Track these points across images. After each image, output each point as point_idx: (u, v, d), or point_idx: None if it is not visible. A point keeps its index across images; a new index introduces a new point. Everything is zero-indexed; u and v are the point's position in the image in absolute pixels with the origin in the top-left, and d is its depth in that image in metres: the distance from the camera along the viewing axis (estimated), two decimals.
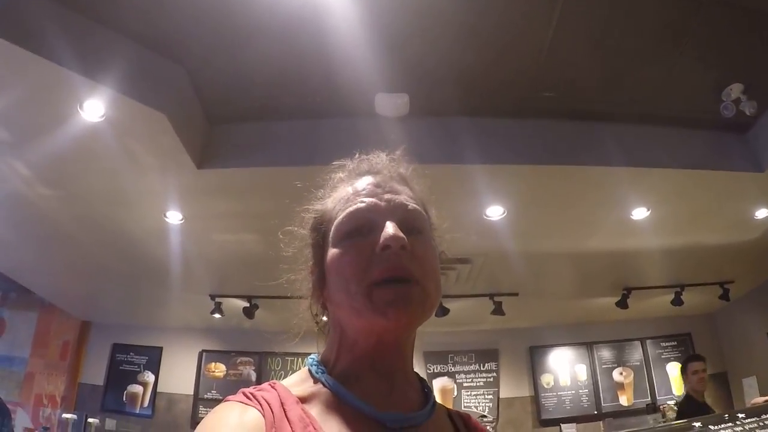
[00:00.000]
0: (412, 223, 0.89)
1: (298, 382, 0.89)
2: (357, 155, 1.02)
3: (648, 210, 4.56)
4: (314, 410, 0.82)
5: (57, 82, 3.04)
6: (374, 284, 0.82)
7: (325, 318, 0.98)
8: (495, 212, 4.40)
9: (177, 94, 3.50)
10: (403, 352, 0.91)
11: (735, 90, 3.83)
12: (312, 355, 0.95)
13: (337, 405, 0.84)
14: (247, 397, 0.81)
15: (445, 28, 3.29)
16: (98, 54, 3.12)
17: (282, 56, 3.40)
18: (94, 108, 3.23)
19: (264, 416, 0.77)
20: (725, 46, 3.55)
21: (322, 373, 0.88)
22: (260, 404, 0.79)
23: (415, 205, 0.92)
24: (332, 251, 0.89)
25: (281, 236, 1.00)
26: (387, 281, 0.82)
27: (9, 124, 3.42)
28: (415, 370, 0.98)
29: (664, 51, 3.57)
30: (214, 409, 0.81)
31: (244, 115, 3.88)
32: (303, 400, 0.84)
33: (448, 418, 0.99)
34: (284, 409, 0.79)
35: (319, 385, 0.87)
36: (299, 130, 3.87)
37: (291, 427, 0.77)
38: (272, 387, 0.85)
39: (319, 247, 0.94)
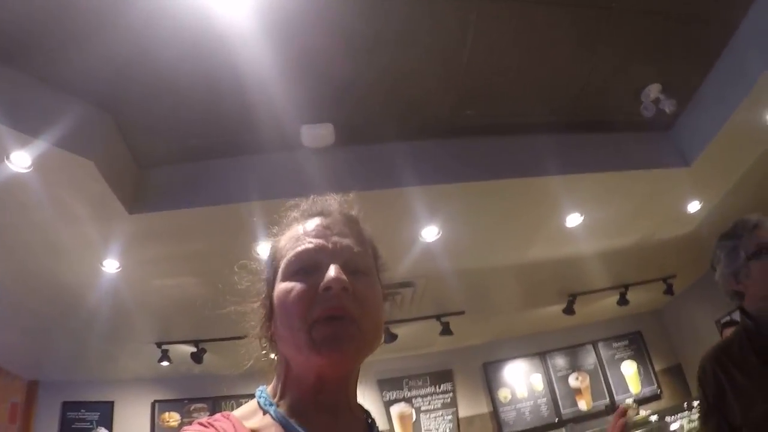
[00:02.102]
0: (356, 264, 0.94)
1: (248, 413, 0.92)
2: (311, 197, 1.07)
3: (582, 215, 4.66)
4: None
5: None
6: (315, 322, 0.87)
7: (273, 356, 1.01)
8: (430, 233, 4.42)
9: (104, 141, 3.46)
10: (346, 386, 0.95)
11: (653, 90, 3.99)
12: (261, 387, 0.98)
13: None
14: (204, 426, 0.84)
15: (363, 57, 3.33)
16: (23, 105, 3.08)
17: (203, 96, 3.40)
18: (20, 159, 3.17)
19: None
20: (639, 48, 3.69)
21: (270, 406, 0.92)
22: (217, 431, 0.83)
23: (360, 248, 0.97)
24: (280, 286, 0.93)
25: (236, 269, 1.05)
26: (326, 319, 0.86)
27: None
28: (369, 398, 1.01)
29: (580, 58, 3.69)
30: None
31: (173, 157, 3.85)
32: (253, 431, 0.87)
33: None
34: None
35: (268, 417, 0.90)
36: (228, 168, 3.85)
37: None
38: (226, 417, 0.88)
39: (270, 282, 0.98)
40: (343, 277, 0.88)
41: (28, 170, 3.24)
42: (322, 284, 0.88)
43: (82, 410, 6.50)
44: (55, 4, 2.75)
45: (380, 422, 4.26)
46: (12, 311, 4.95)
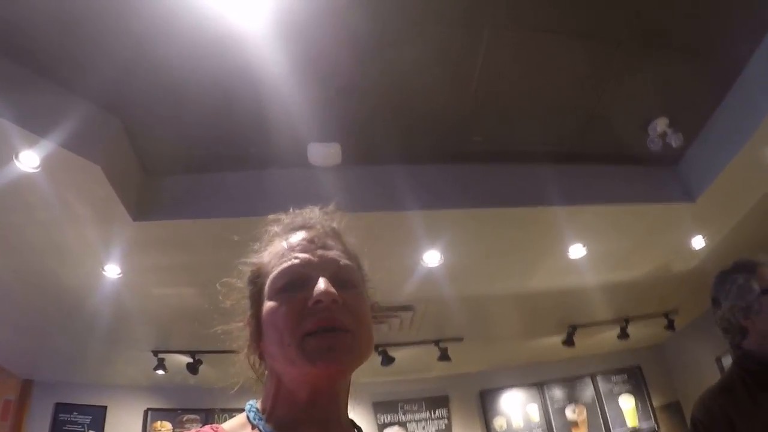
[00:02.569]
0: (344, 278, 0.93)
1: (236, 427, 0.91)
2: (291, 210, 1.05)
3: (584, 247, 4.64)
4: None
5: None
6: (306, 334, 0.85)
7: (265, 372, 0.99)
8: (432, 258, 4.41)
9: (112, 146, 3.49)
10: (337, 400, 0.93)
11: (660, 124, 3.98)
12: (250, 402, 0.97)
13: None
14: None
15: (373, 81, 3.37)
16: (33, 104, 3.11)
17: (215, 108, 3.43)
18: (29, 158, 3.20)
19: None
20: (648, 82, 3.70)
21: (259, 420, 0.91)
22: None
23: (346, 261, 0.96)
24: (267, 304, 0.92)
25: (219, 287, 1.03)
26: (319, 330, 0.85)
27: None
28: (364, 420, 1.00)
29: (588, 89, 3.70)
30: None
31: (180, 166, 3.87)
32: None
33: None
34: None
35: (257, 431, 0.89)
36: (234, 182, 3.88)
37: None
38: (214, 430, 0.87)
39: (256, 299, 0.96)
40: (332, 289, 0.87)
41: (36, 170, 3.27)
42: (311, 298, 0.87)
43: (75, 413, 6.48)
44: (69, 6, 2.78)
45: None
46: (11, 308, 4.95)
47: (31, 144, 3.11)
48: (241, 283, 1.02)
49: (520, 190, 4.08)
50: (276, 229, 1.03)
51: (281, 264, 0.93)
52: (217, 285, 1.04)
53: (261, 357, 0.98)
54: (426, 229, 4.06)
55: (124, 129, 3.55)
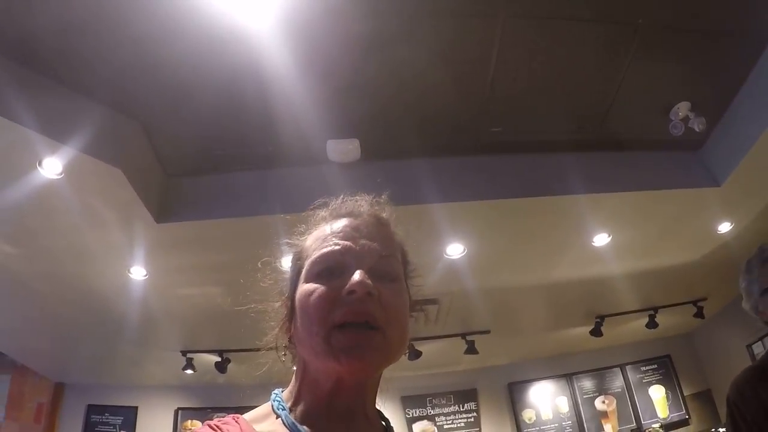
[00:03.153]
0: (384, 270, 0.90)
1: (260, 417, 0.90)
2: (341, 196, 1.03)
3: (609, 236, 4.60)
4: None
5: (16, 140, 3.07)
6: (335, 327, 0.83)
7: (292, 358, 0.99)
8: (455, 250, 4.41)
9: (133, 149, 3.53)
10: (363, 395, 0.92)
11: (682, 108, 3.91)
12: (276, 390, 0.96)
13: None
14: (212, 428, 0.83)
15: (389, 74, 3.36)
16: (56, 112, 3.16)
17: (232, 108, 3.45)
18: (52, 165, 3.26)
19: None
20: (668, 66, 3.64)
21: (282, 410, 0.89)
22: None
23: (389, 252, 0.94)
24: (303, 287, 0.90)
25: (260, 266, 1.02)
26: (348, 325, 0.83)
27: None
28: (392, 414, 0.99)
29: (607, 76, 3.64)
30: None
31: (201, 167, 3.90)
32: None
33: None
34: None
35: (280, 422, 0.88)
36: (255, 180, 3.90)
37: None
38: (235, 421, 0.86)
39: (294, 281, 0.95)
40: (368, 281, 0.85)
41: (60, 177, 3.32)
42: (346, 288, 0.85)
43: (106, 414, 6.58)
44: (82, 13, 2.81)
45: None
46: (41, 314, 5.05)
47: (53, 151, 3.17)
48: (282, 263, 1.01)
49: (542, 179, 4.05)
50: (323, 213, 1.01)
51: (321, 248, 0.92)
52: (258, 263, 1.03)
53: (291, 340, 0.96)
54: (448, 221, 4.04)
55: (143, 132, 3.59)
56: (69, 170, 3.28)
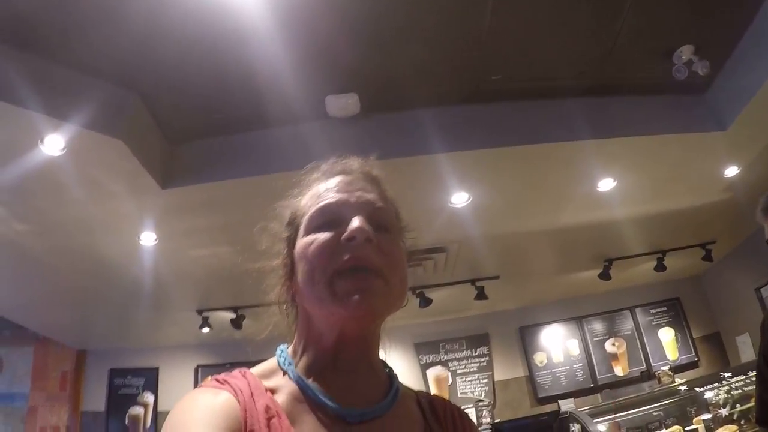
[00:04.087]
0: (379, 220, 0.92)
1: (267, 372, 0.92)
2: (332, 158, 1.05)
3: (614, 180, 4.59)
4: (281, 402, 0.85)
5: (16, 121, 3.11)
6: (337, 273, 0.85)
7: (296, 315, 1.00)
8: (460, 199, 4.42)
9: (132, 119, 3.54)
10: (367, 345, 0.94)
11: (686, 52, 3.84)
12: (281, 346, 0.98)
13: (302, 398, 0.87)
14: (220, 383, 0.85)
15: (384, 24, 3.32)
16: (52, 90, 3.18)
17: (228, 71, 3.43)
18: (54, 142, 3.29)
19: (238, 400, 0.81)
20: (669, 8, 3.56)
21: (288, 365, 0.92)
22: (233, 389, 0.83)
23: (383, 204, 0.96)
24: (301, 241, 0.92)
25: (255, 231, 1.04)
26: (350, 270, 0.84)
27: None
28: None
29: (607, 17, 3.56)
30: (187, 393, 0.84)
31: (201, 131, 3.91)
32: (271, 390, 0.87)
33: (416, 403, 1.01)
34: (253, 398, 0.82)
35: (287, 377, 0.90)
36: (255, 141, 3.91)
37: (258, 416, 0.79)
38: (243, 375, 0.88)
39: (292, 240, 0.97)
40: (367, 227, 0.87)
41: (62, 152, 3.36)
42: (345, 234, 0.86)
43: (129, 376, 6.74)
44: None
45: (417, 385, 4.33)
46: (58, 287, 5.16)
47: (54, 128, 3.21)
48: (278, 226, 1.02)
49: (545, 125, 4.03)
50: (316, 174, 1.03)
51: (318, 203, 0.94)
52: (254, 230, 1.04)
53: (293, 298, 0.98)
54: (451, 170, 4.04)
55: (142, 102, 3.59)
56: (71, 146, 3.32)
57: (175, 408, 0.80)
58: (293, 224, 0.98)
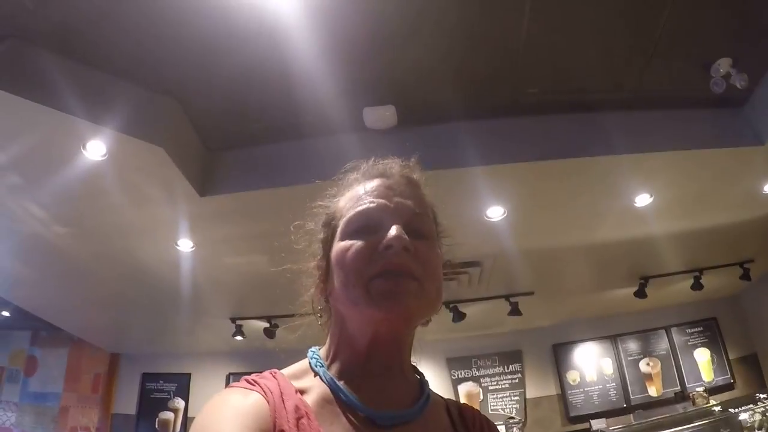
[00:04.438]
0: (418, 226, 0.92)
1: (298, 373, 0.93)
2: (372, 159, 1.05)
3: (651, 196, 4.53)
4: (310, 403, 0.86)
5: (61, 126, 3.21)
6: (373, 277, 0.85)
7: (329, 317, 1.00)
8: (495, 213, 4.41)
9: (173, 127, 3.62)
10: (400, 349, 0.94)
11: (723, 65, 3.78)
12: (313, 348, 0.99)
13: (332, 400, 0.87)
14: (250, 383, 0.86)
15: (423, 38, 3.35)
16: (97, 97, 3.27)
17: (266, 80, 3.49)
18: (96, 148, 3.39)
19: (267, 400, 0.82)
20: (706, 21, 3.52)
21: (320, 367, 0.92)
22: (263, 389, 0.84)
23: (422, 210, 0.95)
24: (338, 245, 0.92)
25: (292, 229, 1.05)
26: (386, 273, 0.85)
27: (20, 169, 3.60)
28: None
29: (643, 32, 3.55)
30: (217, 393, 0.85)
31: (239, 140, 3.98)
32: (301, 391, 0.87)
33: (446, 410, 1.01)
34: (282, 399, 0.83)
35: (318, 379, 0.91)
36: (293, 150, 3.95)
37: (287, 416, 0.80)
38: (273, 376, 0.89)
39: (328, 242, 0.97)
40: (405, 236, 0.87)
41: (104, 158, 3.44)
42: (383, 242, 0.87)
43: (161, 381, 6.82)
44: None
45: None
46: (95, 290, 5.26)
47: (96, 134, 3.29)
48: (314, 226, 1.03)
49: (581, 139, 4.00)
50: (355, 175, 1.02)
51: (357, 207, 0.93)
52: (291, 227, 1.05)
53: (327, 300, 0.98)
54: (488, 184, 4.04)
55: (181, 109, 3.67)
56: (112, 151, 3.40)
57: (205, 407, 0.81)
58: (330, 226, 0.98)
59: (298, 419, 0.81)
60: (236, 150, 4.00)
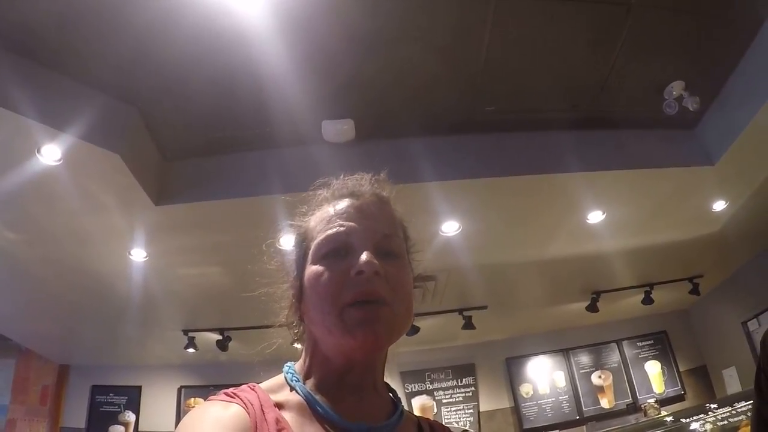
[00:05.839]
0: (388, 247, 0.94)
1: (275, 387, 0.94)
2: (342, 176, 1.05)
3: (603, 213, 4.63)
4: (288, 416, 0.87)
5: (16, 129, 3.12)
6: (346, 306, 0.86)
7: (303, 334, 1.02)
8: (450, 228, 4.44)
9: (130, 135, 3.56)
10: (372, 370, 0.96)
11: (676, 87, 3.91)
12: (288, 363, 0.99)
13: (309, 414, 0.88)
14: (230, 396, 0.86)
15: (381, 53, 3.37)
16: (51, 100, 3.20)
17: (226, 91, 3.46)
18: (51, 152, 3.31)
19: (248, 413, 0.82)
20: (662, 45, 3.64)
21: (296, 382, 0.93)
22: (243, 402, 0.84)
23: (391, 230, 0.97)
24: (310, 269, 0.93)
25: (264, 249, 1.06)
26: (358, 303, 0.86)
27: None
28: (386, 382, 1.04)
29: (600, 55, 3.64)
30: (198, 405, 0.86)
31: (197, 150, 3.92)
32: (279, 405, 0.88)
33: (417, 427, 1.04)
34: (263, 411, 0.84)
35: (294, 393, 0.92)
36: (251, 162, 3.92)
37: (268, 428, 0.81)
38: (252, 389, 0.90)
39: (300, 262, 0.98)
40: (375, 261, 0.88)
41: (58, 163, 3.36)
42: (354, 269, 0.88)
43: (111, 394, 6.67)
44: (76, 3, 2.84)
45: None
46: (44, 298, 5.12)
47: (51, 138, 3.21)
48: (284, 247, 1.03)
49: (536, 157, 4.06)
50: (325, 194, 1.03)
51: (327, 230, 0.94)
52: (263, 246, 1.05)
53: (301, 319, 0.99)
54: (443, 199, 4.06)
55: (140, 117, 3.61)
56: (68, 157, 3.33)
57: (185, 419, 0.81)
58: (302, 246, 0.99)
59: (279, 431, 0.82)
60: (194, 159, 3.95)
